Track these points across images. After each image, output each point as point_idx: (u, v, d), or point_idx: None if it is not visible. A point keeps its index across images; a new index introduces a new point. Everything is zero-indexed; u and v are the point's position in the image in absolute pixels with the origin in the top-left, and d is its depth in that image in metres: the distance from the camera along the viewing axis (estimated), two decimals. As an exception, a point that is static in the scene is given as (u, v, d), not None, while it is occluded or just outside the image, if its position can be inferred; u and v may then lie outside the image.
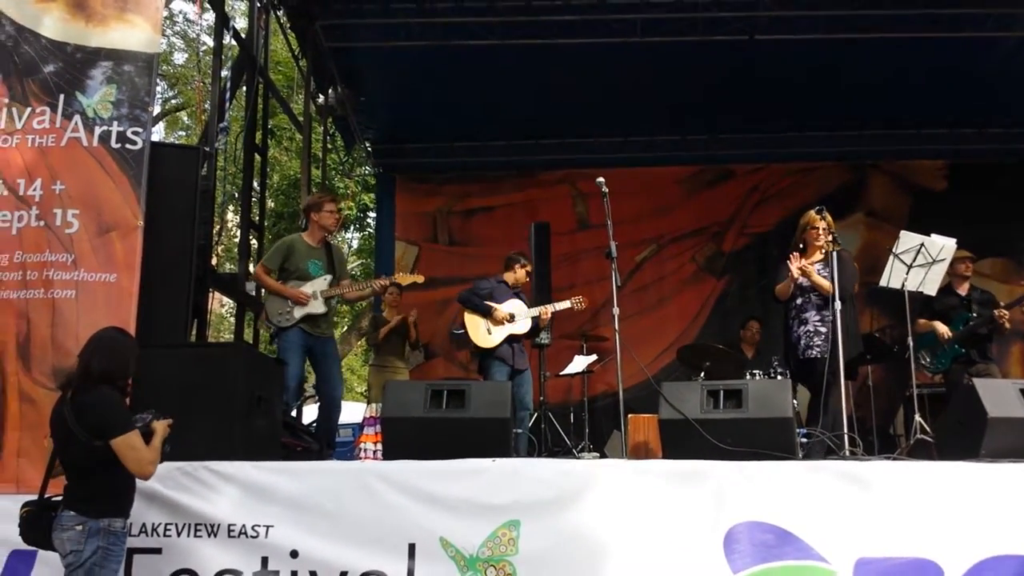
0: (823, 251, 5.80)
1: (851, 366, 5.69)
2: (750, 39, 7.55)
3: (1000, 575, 3.86)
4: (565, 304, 6.73)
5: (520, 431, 6.30)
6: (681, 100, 8.60)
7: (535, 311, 6.65)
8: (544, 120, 9.17)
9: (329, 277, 6.12)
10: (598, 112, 8.90)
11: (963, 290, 6.82)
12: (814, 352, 5.72)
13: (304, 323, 5.95)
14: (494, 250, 7.66)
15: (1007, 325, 6.58)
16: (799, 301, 5.84)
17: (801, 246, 5.96)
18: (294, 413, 6.66)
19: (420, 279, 6.64)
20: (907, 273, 6.01)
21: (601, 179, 5.30)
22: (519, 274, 6.82)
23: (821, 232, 5.81)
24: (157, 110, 15.86)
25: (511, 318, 6.57)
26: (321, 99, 8.93)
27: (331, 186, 12.61)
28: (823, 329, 5.73)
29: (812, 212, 5.92)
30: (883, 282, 6.09)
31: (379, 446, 7.19)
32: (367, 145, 10.17)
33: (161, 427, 3.75)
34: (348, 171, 12.72)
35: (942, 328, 6.65)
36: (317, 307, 6.01)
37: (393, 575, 4.05)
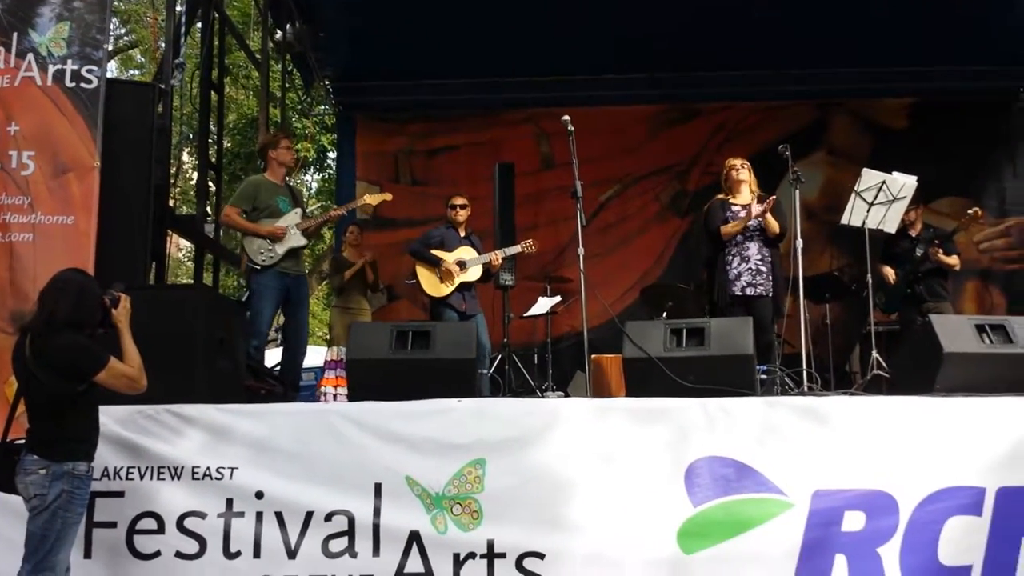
0: (751, 189, 6.13)
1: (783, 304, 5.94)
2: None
3: (952, 505, 3.98)
4: (516, 249, 6.78)
5: (483, 372, 6.35)
6: (647, 38, 8.49)
7: (485, 258, 6.68)
8: (508, 58, 9.01)
9: (299, 211, 6.10)
10: (563, 50, 8.76)
11: (915, 231, 6.92)
12: (757, 290, 5.90)
13: (284, 261, 5.90)
14: (457, 190, 7.59)
15: (946, 260, 6.67)
16: (739, 238, 6.01)
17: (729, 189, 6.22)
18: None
19: (388, 197, 6.69)
20: (868, 211, 6.08)
21: (567, 117, 5.29)
22: (454, 214, 6.81)
23: (739, 168, 6.16)
24: (110, 48, 15.40)
25: (461, 266, 6.58)
26: (279, 35, 8.70)
27: (289, 127, 12.39)
28: (764, 268, 5.94)
29: (729, 158, 6.30)
30: (844, 220, 6.17)
31: (339, 390, 7.23)
32: (326, 83, 9.96)
33: (124, 314, 3.71)
34: (307, 111, 12.48)
35: (887, 271, 6.80)
36: (297, 240, 6.00)
37: (359, 514, 4.08)
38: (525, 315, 7.67)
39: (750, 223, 5.95)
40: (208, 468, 4.14)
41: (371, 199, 6.58)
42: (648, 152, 9.70)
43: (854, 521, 4.00)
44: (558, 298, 7.71)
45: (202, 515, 4.09)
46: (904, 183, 6.05)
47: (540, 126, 9.62)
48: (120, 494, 4.11)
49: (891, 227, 6.20)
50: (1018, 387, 4.32)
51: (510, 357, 6.98)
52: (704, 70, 9.34)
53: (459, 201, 6.84)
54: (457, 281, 6.61)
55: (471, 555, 4.06)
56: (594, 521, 4.08)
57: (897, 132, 9.52)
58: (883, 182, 6.02)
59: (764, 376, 5.20)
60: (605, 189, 9.49)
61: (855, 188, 6.10)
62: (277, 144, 6.18)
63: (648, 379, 4.53)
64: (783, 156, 5.72)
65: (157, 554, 4.08)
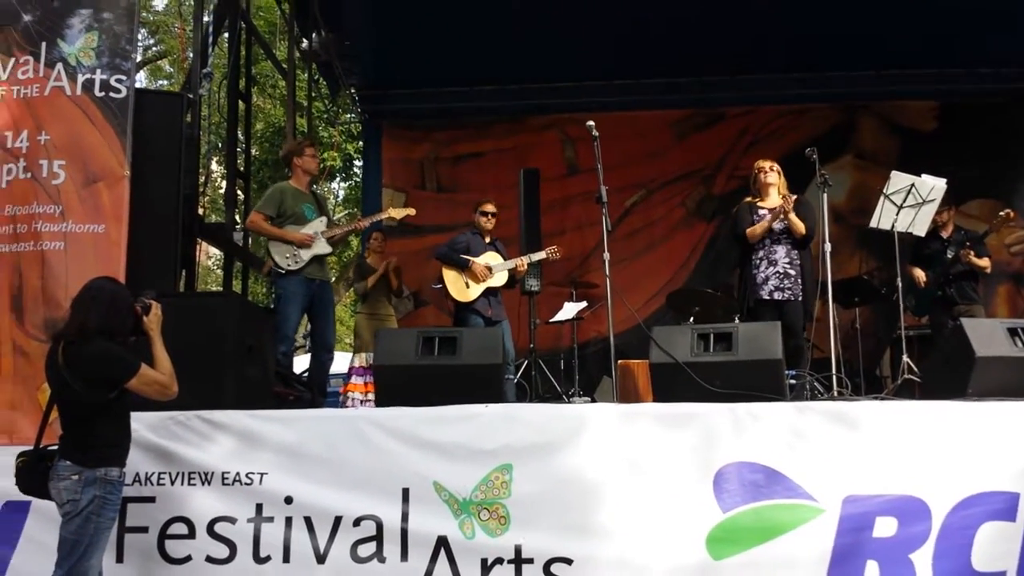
0: (779, 192, 6.03)
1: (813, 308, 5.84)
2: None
3: (985, 510, 3.91)
4: (540, 255, 6.79)
5: (509, 377, 6.34)
6: (670, 43, 8.48)
7: (511, 263, 6.69)
8: (532, 65, 9.04)
9: (325, 219, 6.14)
10: (587, 56, 8.78)
11: (946, 233, 6.85)
12: (785, 294, 5.87)
13: (309, 267, 5.93)
14: (483, 197, 7.63)
15: (977, 262, 6.61)
16: (767, 241, 5.97)
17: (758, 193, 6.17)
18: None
19: (412, 212, 6.75)
20: (897, 214, 6.02)
21: (591, 123, 5.27)
22: (484, 221, 6.83)
23: (768, 170, 6.10)
24: (138, 58, 15.61)
25: (489, 271, 6.60)
26: (305, 44, 8.78)
27: (316, 135, 12.49)
28: (792, 272, 5.90)
29: (759, 160, 6.24)
30: (873, 223, 6.11)
31: (368, 396, 7.25)
32: (352, 91, 10.03)
33: (155, 322, 3.76)
34: (333, 119, 12.57)
35: (918, 273, 6.73)
36: (323, 247, 6.04)
37: (387, 519, 4.09)
38: (551, 320, 7.67)
39: (775, 225, 5.91)
40: (238, 473, 4.17)
41: (395, 213, 6.61)
42: (673, 157, 9.69)
43: (886, 527, 3.95)
44: (584, 303, 7.70)
45: (232, 520, 4.12)
46: (933, 185, 5.99)
47: (565, 132, 9.64)
48: (151, 499, 4.15)
49: (920, 230, 6.13)
50: (1052, 391, 4.25)
51: (536, 362, 6.97)
52: (727, 74, 9.33)
53: (490, 208, 6.86)
54: (483, 285, 6.62)
55: (499, 560, 4.05)
56: (622, 527, 4.05)
57: (925, 134, 9.44)
58: (912, 185, 5.96)
59: (793, 381, 5.15)
60: (631, 194, 9.49)
61: (884, 191, 6.04)
62: (302, 152, 6.23)
63: (675, 384, 4.49)
64: (810, 160, 5.68)
65: (188, 559, 4.12)
